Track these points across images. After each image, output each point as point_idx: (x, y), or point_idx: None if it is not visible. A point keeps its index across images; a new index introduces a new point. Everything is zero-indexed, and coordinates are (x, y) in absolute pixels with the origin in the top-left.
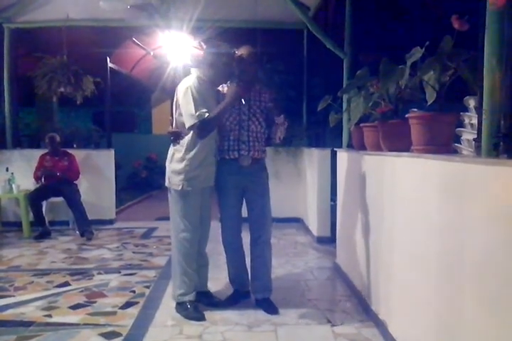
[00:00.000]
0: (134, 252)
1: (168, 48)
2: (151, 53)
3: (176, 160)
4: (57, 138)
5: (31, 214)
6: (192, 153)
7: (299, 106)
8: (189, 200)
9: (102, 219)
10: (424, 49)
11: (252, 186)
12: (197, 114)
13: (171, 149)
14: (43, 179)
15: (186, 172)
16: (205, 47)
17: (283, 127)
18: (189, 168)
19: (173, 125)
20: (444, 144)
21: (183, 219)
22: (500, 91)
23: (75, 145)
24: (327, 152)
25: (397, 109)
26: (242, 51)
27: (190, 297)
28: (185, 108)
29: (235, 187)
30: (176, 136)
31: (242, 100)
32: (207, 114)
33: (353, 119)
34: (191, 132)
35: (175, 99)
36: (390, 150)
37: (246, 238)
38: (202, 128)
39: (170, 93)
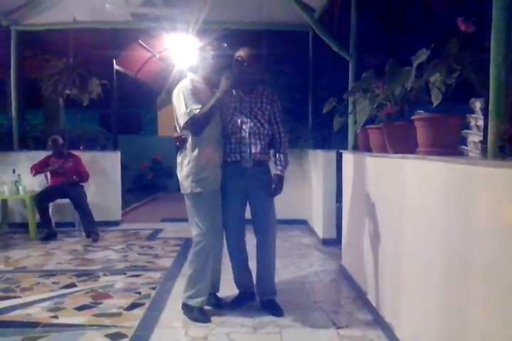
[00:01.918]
0: (139, 253)
1: (174, 50)
2: (157, 55)
3: (183, 165)
4: (60, 141)
5: (38, 216)
6: (196, 155)
7: (305, 108)
8: (201, 203)
9: (107, 220)
10: (429, 51)
11: (255, 189)
12: (188, 110)
13: (179, 157)
14: (48, 180)
15: (194, 175)
16: (201, 49)
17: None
18: (195, 169)
19: (178, 131)
20: (449, 146)
21: (198, 222)
22: (507, 94)
23: (81, 147)
24: (332, 154)
25: (402, 111)
26: (241, 52)
27: (197, 302)
28: (178, 109)
29: (238, 189)
30: (181, 142)
31: (234, 91)
32: (197, 110)
33: (359, 121)
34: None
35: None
36: (396, 152)
37: (251, 240)
38: (194, 124)
39: None
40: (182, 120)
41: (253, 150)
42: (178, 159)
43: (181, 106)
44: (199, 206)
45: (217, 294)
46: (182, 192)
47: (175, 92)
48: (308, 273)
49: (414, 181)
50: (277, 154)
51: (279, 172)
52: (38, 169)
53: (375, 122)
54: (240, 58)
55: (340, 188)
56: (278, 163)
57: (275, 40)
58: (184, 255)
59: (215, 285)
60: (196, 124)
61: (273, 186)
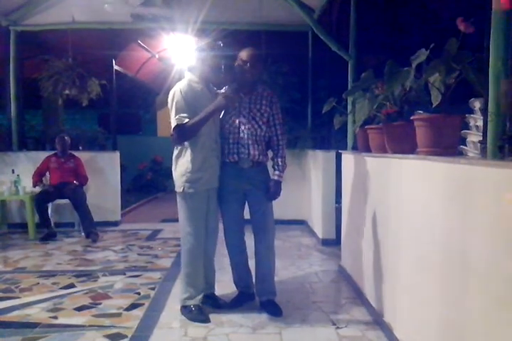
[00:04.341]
0: (139, 254)
1: (173, 51)
2: (156, 56)
3: (178, 164)
4: (68, 140)
5: (37, 216)
6: (192, 154)
7: (304, 108)
8: (192, 203)
9: (107, 220)
10: (429, 51)
11: (253, 189)
12: (176, 117)
13: (175, 154)
14: (44, 181)
15: (187, 175)
16: (197, 49)
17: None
18: (190, 169)
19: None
20: (449, 146)
21: (187, 222)
22: (506, 94)
23: (80, 148)
24: (332, 154)
25: (402, 111)
26: (243, 53)
27: (196, 301)
28: (171, 112)
29: (237, 190)
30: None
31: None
32: (186, 120)
33: (358, 121)
34: None
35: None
36: (395, 153)
37: (250, 240)
38: (179, 133)
39: None
40: (172, 124)
41: (251, 152)
42: (174, 156)
43: (172, 110)
44: (189, 206)
45: (216, 294)
46: (175, 190)
47: (171, 92)
48: (308, 274)
49: (414, 181)
50: (275, 158)
51: (276, 178)
52: (37, 179)
53: (374, 122)
54: (242, 58)
55: (340, 188)
56: (276, 167)
57: (274, 40)
58: None
59: (211, 285)
60: (180, 135)
61: (270, 191)
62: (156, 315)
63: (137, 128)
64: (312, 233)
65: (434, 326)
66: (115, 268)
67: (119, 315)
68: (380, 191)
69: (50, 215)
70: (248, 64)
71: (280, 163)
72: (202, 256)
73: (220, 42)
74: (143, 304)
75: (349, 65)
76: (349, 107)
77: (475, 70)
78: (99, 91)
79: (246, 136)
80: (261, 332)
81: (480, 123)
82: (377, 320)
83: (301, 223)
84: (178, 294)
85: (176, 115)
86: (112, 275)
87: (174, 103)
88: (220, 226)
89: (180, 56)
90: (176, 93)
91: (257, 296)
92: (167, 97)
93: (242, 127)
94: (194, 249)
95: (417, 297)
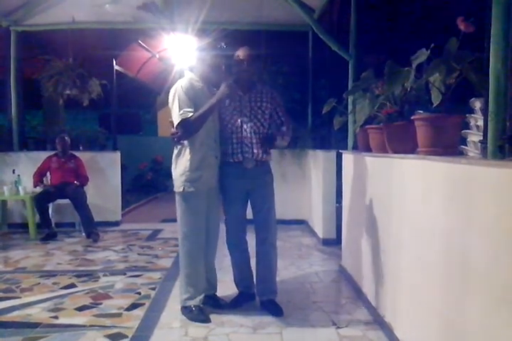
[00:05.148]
0: (139, 254)
1: (173, 51)
2: (157, 56)
3: (178, 163)
4: (68, 140)
5: (37, 216)
6: (191, 153)
7: (304, 108)
8: (192, 203)
9: (107, 220)
10: (429, 51)
11: (257, 189)
12: (180, 112)
13: (174, 154)
14: (45, 181)
15: (187, 174)
16: (198, 49)
17: (286, 138)
18: (189, 168)
19: (175, 127)
20: (449, 146)
21: (186, 223)
22: (506, 93)
23: (81, 147)
24: (332, 154)
25: (402, 111)
26: (240, 52)
27: (196, 301)
28: (173, 108)
29: (240, 190)
30: (179, 138)
31: (232, 97)
32: (190, 114)
33: (359, 121)
34: None
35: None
36: (396, 152)
37: (251, 240)
38: (185, 127)
39: None
40: (175, 121)
41: (255, 150)
42: (174, 156)
43: (175, 106)
44: (188, 206)
45: (217, 294)
46: (174, 190)
47: (172, 90)
48: (309, 274)
49: (414, 181)
50: (282, 127)
51: (276, 135)
52: (37, 179)
53: (374, 122)
54: (238, 57)
55: (340, 188)
56: (280, 133)
57: (274, 40)
58: None
59: (212, 286)
60: (187, 129)
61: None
62: (156, 315)
63: (138, 128)
64: (313, 233)
65: (434, 326)
66: (116, 268)
67: (119, 315)
68: (380, 191)
69: (50, 215)
70: (245, 63)
71: (285, 130)
72: (202, 257)
73: (224, 43)
74: (143, 304)
75: (349, 65)
76: (349, 107)
77: (475, 70)
78: (99, 91)
79: (249, 134)
80: (261, 332)
81: (480, 122)
82: (378, 320)
83: (301, 223)
84: (178, 294)
85: (179, 110)
86: (112, 275)
87: (176, 99)
88: (223, 225)
89: (180, 56)
90: (177, 89)
91: (257, 296)
92: (168, 97)
93: (245, 126)
94: (193, 250)
95: (418, 297)
